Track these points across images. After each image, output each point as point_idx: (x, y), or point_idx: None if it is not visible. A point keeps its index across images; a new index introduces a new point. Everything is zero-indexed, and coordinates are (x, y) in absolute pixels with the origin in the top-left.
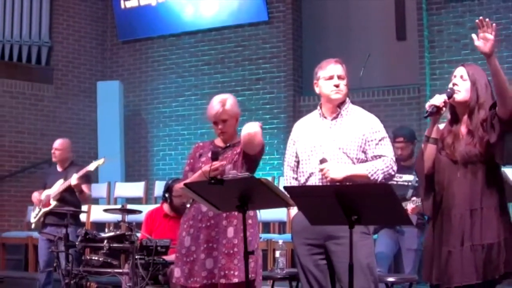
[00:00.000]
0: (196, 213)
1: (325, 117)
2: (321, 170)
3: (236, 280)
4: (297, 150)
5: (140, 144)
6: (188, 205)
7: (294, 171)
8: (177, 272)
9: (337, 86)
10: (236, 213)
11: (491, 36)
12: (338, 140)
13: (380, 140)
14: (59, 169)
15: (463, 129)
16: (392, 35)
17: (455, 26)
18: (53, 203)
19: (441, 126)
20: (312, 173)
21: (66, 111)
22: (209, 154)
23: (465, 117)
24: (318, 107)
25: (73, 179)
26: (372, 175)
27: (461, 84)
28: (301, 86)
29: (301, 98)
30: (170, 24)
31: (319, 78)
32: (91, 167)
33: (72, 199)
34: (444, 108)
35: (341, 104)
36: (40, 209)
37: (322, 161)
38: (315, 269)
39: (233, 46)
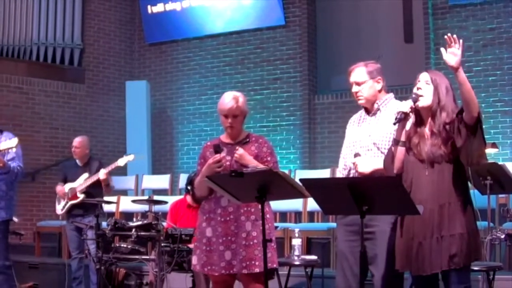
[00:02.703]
0: (216, 207)
1: (367, 114)
2: (354, 163)
3: (257, 270)
4: (344, 144)
5: (166, 139)
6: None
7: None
8: (194, 259)
9: (355, 93)
10: (253, 209)
11: (458, 51)
12: (373, 136)
13: None
14: (79, 163)
15: (427, 130)
16: (400, 38)
17: (459, 30)
18: (80, 196)
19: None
20: (351, 167)
21: (97, 108)
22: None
23: (429, 119)
24: None
25: (101, 174)
26: None
27: (425, 89)
28: (316, 86)
29: (316, 96)
30: (194, 27)
31: None
32: (121, 162)
33: (94, 191)
34: (411, 114)
35: (378, 100)
36: (67, 202)
37: (356, 155)
38: (350, 255)
39: (253, 48)
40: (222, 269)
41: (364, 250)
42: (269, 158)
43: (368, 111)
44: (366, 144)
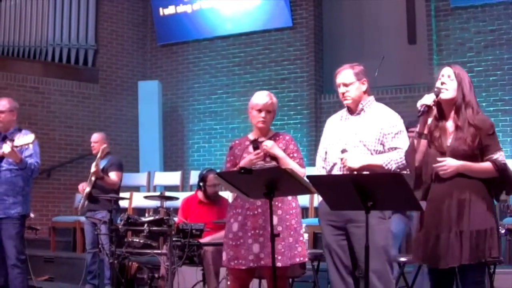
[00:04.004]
0: (243, 202)
1: (350, 114)
2: (341, 159)
3: (279, 264)
4: (326, 142)
5: (177, 137)
6: (220, 193)
7: (324, 161)
8: (224, 255)
9: (342, 94)
10: (280, 203)
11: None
12: (359, 134)
13: (396, 134)
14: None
15: (449, 124)
16: (404, 39)
17: (461, 31)
18: (87, 190)
19: None
20: (335, 163)
21: (110, 108)
22: (250, 148)
23: (452, 114)
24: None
25: (92, 167)
26: (386, 165)
27: (449, 83)
28: (322, 85)
29: (322, 96)
30: (204, 29)
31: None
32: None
33: (98, 185)
34: (434, 107)
35: (363, 101)
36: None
37: (343, 151)
38: (338, 248)
39: (261, 49)
40: (250, 262)
41: (367, 245)
42: (295, 155)
43: (351, 111)
44: (352, 141)
